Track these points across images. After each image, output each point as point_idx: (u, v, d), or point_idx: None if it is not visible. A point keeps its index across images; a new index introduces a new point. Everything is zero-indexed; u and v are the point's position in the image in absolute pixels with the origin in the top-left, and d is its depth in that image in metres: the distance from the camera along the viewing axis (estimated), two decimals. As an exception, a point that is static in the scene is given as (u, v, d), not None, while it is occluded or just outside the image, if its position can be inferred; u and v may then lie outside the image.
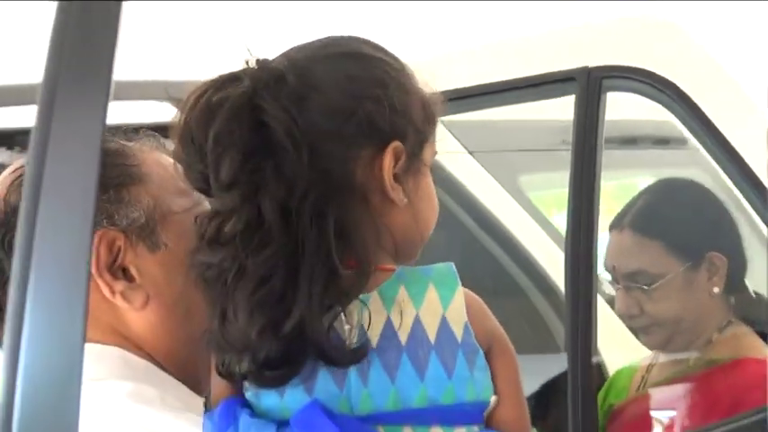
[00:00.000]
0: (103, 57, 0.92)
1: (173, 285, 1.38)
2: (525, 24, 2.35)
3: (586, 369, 2.05)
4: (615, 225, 2.34)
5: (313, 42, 1.34)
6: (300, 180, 1.22)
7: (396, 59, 1.33)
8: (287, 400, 1.24)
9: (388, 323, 1.24)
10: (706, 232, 2.38)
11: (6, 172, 1.42)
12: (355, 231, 1.23)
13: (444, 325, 1.26)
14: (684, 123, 2.09)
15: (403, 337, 1.24)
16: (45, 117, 0.88)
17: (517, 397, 1.34)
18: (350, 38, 1.37)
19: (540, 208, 3.27)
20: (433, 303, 1.27)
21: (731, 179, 2.05)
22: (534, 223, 3.02)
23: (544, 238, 2.99)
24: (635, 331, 2.43)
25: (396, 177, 1.24)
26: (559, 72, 2.16)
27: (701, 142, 2.07)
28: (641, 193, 2.57)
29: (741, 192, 2.07)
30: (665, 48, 2.12)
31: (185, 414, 1.33)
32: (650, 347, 2.37)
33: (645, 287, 2.25)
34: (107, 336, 1.37)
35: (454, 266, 1.29)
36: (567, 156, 3.28)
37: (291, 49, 1.34)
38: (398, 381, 1.25)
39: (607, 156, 2.77)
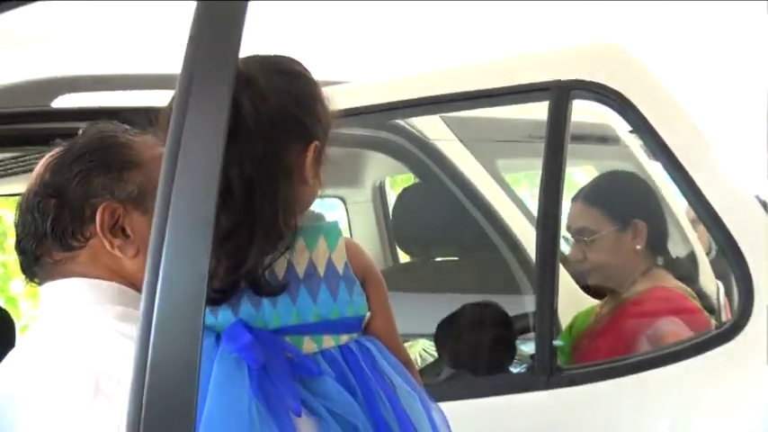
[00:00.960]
0: (230, 47, 0.98)
1: None
2: (512, 47, 2.41)
3: (549, 306, 2.12)
4: (574, 198, 2.54)
5: (268, 57, 1.46)
6: (261, 161, 1.34)
7: (314, 78, 1.46)
8: (220, 319, 1.37)
9: (290, 264, 1.38)
10: (634, 206, 2.49)
11: (51, 153, 1.50)
12: (292, 203, 1.37)
13: (330, 263, 1.41)
14: (628, 122, 2.16)
15: (300, 272, 1.38)
16: (183, 98, 0.96)
17: (385, 313, 1.49)
18: (290, 58, 1.48)
19: (510, 184, 3.35)
20: (322, 248, 1.41)
21: (663, 166, 2.11)
22: (505, 196, 3.06)
23: (512, 207, 3.03)
24: (582, 277, 2.62)
25: (310, 166, 1.39)
26: (538, 83, 2.17)
27: (639, 137, 2.17)
28: (594, 177, 2.88)
29: (669, 176, 2.11)
30: (615, 66, 2.16)
31: None
32: (592, 288, 2.61)
33: (586, 239, 2.45)
34: (108, 275, 1.45)
35: (339, 223, 1.48)
36: (532, 146, 3.41)
37: (252, 57, 1.43)
38: (298, 303, 1.38)
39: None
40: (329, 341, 1.41)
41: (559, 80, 2.15)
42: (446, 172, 3.03)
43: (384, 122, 2.79)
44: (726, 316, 4.02)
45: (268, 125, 1.37)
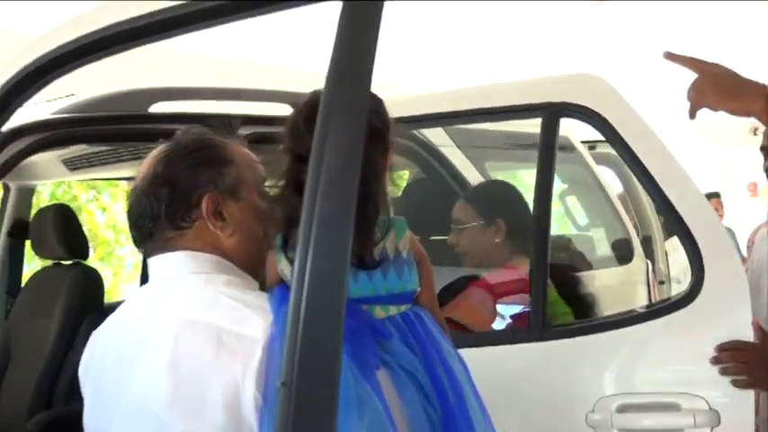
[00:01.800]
0: (367, 47, 0.92)
1: (247, 222, 1.52)
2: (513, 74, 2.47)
3: (542, 278, 2.15)
4: (462, 195, 2.83)
5: None
6: (365, 167, 1.44)
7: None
8: None
9: None
10: (500, 209, 2.56)
11: (159, 149, 1.52)
12: (384, 198, 1.46)
13: (397, 249, 1.46)
14: (603, 135, 2.16)
15: (376, 255, 1.44)
16: (329, 97, 0.93)
17: (431, 288, 1.56)
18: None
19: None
20: (392, 237, 1.46)
21: (632, 171, 2.15)
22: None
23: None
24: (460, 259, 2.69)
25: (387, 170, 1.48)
26: (533, 104, 2.23)
27: (613, 147, 2.17)
28: (480, 182, 3.15)
29: (637, 179, 2.19)
30: (594, 91, 2.22)
31: (257, 292, 1.47)
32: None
33: (459, 228, 2.57)
34: (209, 249, 1.48)
35: (404, 219, 1.50)
36: (512, 152, 3.53)
37: None
38: (374, 280, 1.45)
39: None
40: (393, 310, 1.47)
41: (551, 102, 2.21)
42: (446, 169, 3.12)
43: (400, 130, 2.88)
44: (653, 287, 4.17)
45: (367, 138, 1.45)
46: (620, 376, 2.05)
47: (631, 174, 4.47)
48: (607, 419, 1.98)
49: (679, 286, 4.57)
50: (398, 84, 5.89)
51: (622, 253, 4.10)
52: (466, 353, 1.56)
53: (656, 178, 2.07)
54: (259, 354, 1.32)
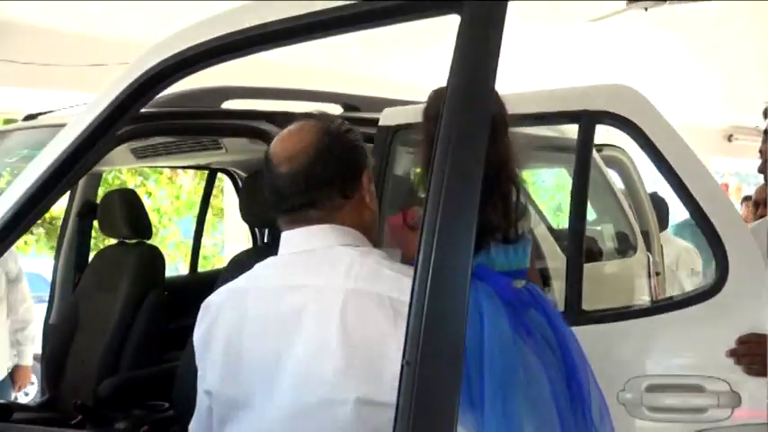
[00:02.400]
0: (492, 47, 0.91)
1: (375, 202, 1.45)
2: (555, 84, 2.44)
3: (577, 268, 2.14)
4: None
5: None
6: (505, 150, 1.52)
7: None
8: None
9: None
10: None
11: (310, 123, 1.40)
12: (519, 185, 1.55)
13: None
14: (634, 140, 2.13)
15: None
16: (454, 93, 0.92)
17: (534, 266, 1.66)
18: None
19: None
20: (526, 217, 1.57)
21: (661, 172, 2.09)
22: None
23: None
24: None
25: None
26: (572, 111, 2.21)
27: (644, 151, 2.12)
28: None
29: (666, 180, 2.12)
30: (628, 100, 2.20)
31: (407, 265, 1.36)
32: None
33: None
34: (353, 224, 1.39)
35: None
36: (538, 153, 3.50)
37: None
38: (510, 255, 1.52)
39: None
40: (519, 284, 1.51)
41: (587, 110, 2.19)
42: None
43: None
44: (653, 278, 4.16)
45: (500, 126, 1.55)
46: (649, 359, 2.05)
47: (632, 173, 4.53)
48: (637, 398, 1.99)
49: (672, 276, 4.61)
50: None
51: (627, 246, 4.11)
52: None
53: (684, 181, 2.06)
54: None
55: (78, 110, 2.52)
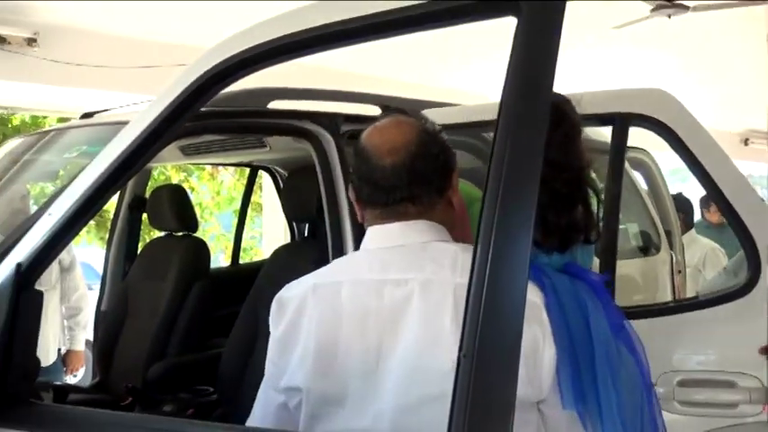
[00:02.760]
0: (550, 49, 0.86)
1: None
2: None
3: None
4: None
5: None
6: (581, 157, 1.45)
7: None
8: (553, 260, 1.41)
9: None
10: None
11: (406, 120, 1.34)
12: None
13: None
14: (666, 141, 2.09)
15: None
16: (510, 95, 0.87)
17: None
18: None
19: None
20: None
21: (694, 174, 2.05)
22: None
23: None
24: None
25: None
26: (607, 113, 2.14)
27: (677, 153, 2.08)
28: None
29: (695, 176, 2.07)
30: (660, 103, 2.16)
31: None
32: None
33: None
34: (442, 221, 1.32)
35: None
36: None
37: None
38: (584, 255, 1.49)
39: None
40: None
41: (621, 112, 2.15)
42: None
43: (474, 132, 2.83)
44: (676, 275, 4.08)
45: (573, 131, 1.49)
46: (681, 355, 2.00)
47: (655, 175, 4.46)
48: (669, 392, 1.94)
49: (700, 275, 4.52)
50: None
51: (650, 245, 4.05)
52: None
53: (717, 182, 2.02)
54: (546, 317, 1.23)
55: (131, 108, 2.54)
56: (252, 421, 1.34)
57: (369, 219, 1.32)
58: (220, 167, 7.03)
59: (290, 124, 2.33)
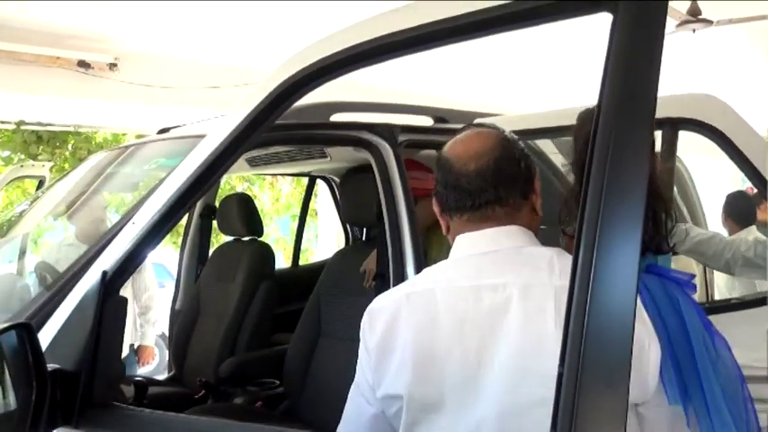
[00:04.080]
0: (653, 48, 0.77)
1: None
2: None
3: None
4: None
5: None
6: (653, 166, 1.37)
7: None
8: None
9: None
10: None
11: (482, 131, 1.25)
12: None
13: None
14: (716, 143, 1.95)
15: None
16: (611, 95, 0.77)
17: None
18: None
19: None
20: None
21: (746, 175, 1.91)
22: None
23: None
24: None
25: None
26: (657, 119, 2.04)
27: (729, 156, 1.94)
28: None
29: (746, 176, 1.93)
30: (709, 108, 2.00)
31: None
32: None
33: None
34: (529, 226, 1.22)
35: None
36: None
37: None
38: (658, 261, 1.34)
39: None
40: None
41: (670, 117, 2.01)
42: (552, 172, 2.91)
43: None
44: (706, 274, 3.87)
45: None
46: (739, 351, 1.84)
47: (686, 179, 4.27)
48: None
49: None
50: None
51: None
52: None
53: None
54: (646, 315, 1.12)
55: (202, 124, 2.48)
56: None
57: (456, 227, 1.22)
58: (279, 177, 6.98)
59: (351, 135, 2.24)
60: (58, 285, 1.31)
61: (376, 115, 2.40)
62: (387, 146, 2.25)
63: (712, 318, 1.85)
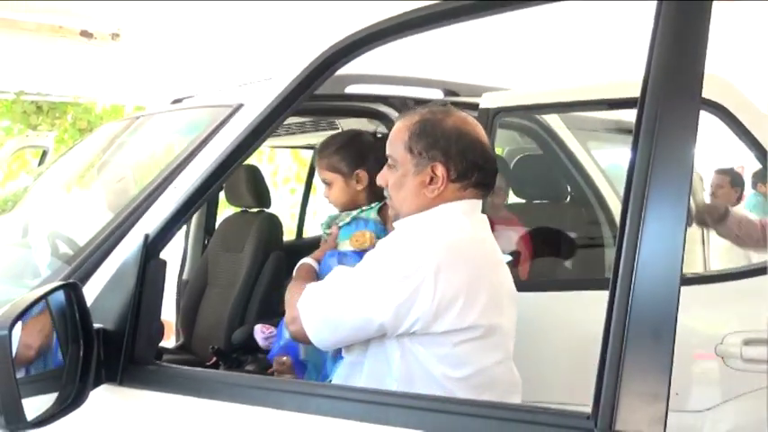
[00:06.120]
0: (699, 32, 0.78)
1: None
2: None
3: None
4: None
5: None
6: None
7: None
8: None
9: None
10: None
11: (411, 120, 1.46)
12: None
13: None
14: (721, 120, 1.99)
15: None
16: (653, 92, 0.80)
17: None
18: None
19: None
20: None
21: (753, 153, 1.97)
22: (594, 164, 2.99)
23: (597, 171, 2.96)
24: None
25: None
26: None
27: (735, 133, 1.98)
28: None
29: (752, 152, 2.00)
30: (714, 85, 2.02)
31: None
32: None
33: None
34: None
35: None
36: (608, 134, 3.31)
37: None
38: None
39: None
40: None
41: None
42: (558, 146, 2.91)
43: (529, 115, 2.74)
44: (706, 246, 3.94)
45: None
46: (745, 318, 1.93)
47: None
48: (732, 350, 1.91)
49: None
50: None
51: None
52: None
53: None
54: None
55: (215, 95, 2.48)
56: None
57: (450, 194, 1.44)
58: (277, 150, 6.98)
59: (366, 107, 2.27)
60: (96, 249, 1.33)
61: (387, 88, 2.42)
62: (400, 118, 2.28)
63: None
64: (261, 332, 2.19)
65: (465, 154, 1.41)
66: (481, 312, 1.33)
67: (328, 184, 1.95)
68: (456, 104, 1.57)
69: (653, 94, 0.79)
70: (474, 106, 2.30)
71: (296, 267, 1.85)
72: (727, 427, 1.94)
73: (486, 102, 2.34)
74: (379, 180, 1.51)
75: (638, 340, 0.72)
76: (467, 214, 1.44)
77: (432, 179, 1.42)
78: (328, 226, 1.98)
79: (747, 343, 1.89)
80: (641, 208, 0.77)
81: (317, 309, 1.39)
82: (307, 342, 1.41)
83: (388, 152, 1.47)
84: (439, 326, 1.30)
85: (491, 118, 2.31)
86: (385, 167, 1.49)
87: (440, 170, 1.41)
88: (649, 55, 0.81)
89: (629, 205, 0.78)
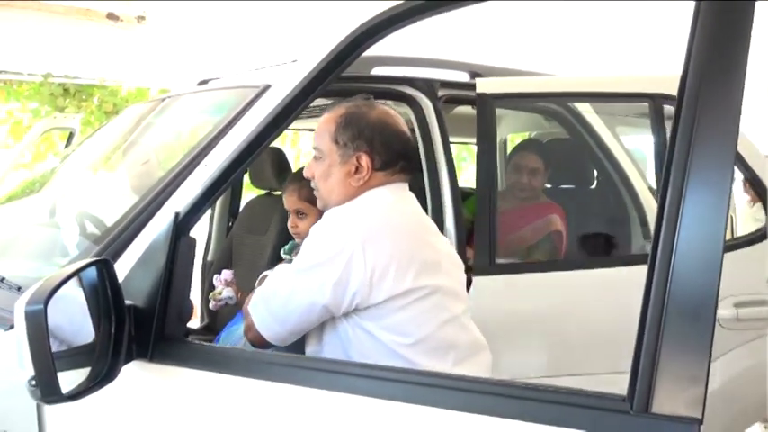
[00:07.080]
0: (739, 48, 0.77)
1: None
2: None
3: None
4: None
5: None
6: None
7: None
8: None
9: None
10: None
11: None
12: None
13: None
14: None
15: None
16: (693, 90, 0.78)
17: None
18: None
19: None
20: None
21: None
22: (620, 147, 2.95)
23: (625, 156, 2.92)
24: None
25: None
26: (644, 93, 2.30)
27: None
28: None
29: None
30: None
31: None
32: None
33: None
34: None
35: None
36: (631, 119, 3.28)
37: None
38: None
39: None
40: None
41: (656, 92, 2.30)
42: (586, 130, 2.88)
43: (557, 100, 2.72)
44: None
45: None
46: (740, 282, 2.15)
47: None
48: (727, 313, 2.13)
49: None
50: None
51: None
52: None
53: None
54: None
55: (241, 77, 2.48)
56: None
57: (377, 181, 1.49)
58: (299, 133, 6.99)
59: (392, 89, 2.26)
60: (126, 227, 1.34)
61: (413, 70, 2.40)
62: (427, 101, 2.27)
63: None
64: (217, 280, 2.22)
65: (389, 144, 1.47)
66: (416, 275, 1.36)
67: (303, 214, 1.97)
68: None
69: (690, 98, 0.77)
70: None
71: (257, 280, 1.88)
72: (722, 378, 2.15)
73: (481, 86, 2.31)
74: (306, 172, 1.54)
75: (676, 322, 0.71)
76: (393, 193, 1.49)
77: (357, 169, 1.47)
78: (290, 252, 1.96)
79: (739, 305, 2.14)
80: (681, 189, 0.75)
81: (264, 306, 1.42)
82: (267, 346, 1.43)
83: (314, 144, 1.51)
84: (377, 295, 1.34)
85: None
86: (311, 160, 1.53)
87: (364, 160, 1.46)
88: (687, 55, 0.79)
89: (668, 187, 0.76)
